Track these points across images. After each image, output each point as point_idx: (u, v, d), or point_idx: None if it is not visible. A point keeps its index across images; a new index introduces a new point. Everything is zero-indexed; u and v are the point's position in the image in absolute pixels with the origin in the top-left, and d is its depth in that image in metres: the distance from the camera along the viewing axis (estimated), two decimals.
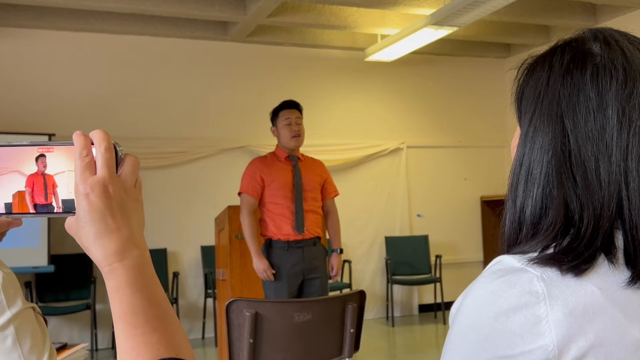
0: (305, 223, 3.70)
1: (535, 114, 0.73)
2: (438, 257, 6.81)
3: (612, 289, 0.66)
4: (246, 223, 3.69)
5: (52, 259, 5.44)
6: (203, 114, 6.41)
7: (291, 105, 3.84)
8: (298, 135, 3.77)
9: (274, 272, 3.64)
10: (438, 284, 6.76)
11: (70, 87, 5.97)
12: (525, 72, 0.77)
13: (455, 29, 5.59)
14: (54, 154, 0.67)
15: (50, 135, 5.55)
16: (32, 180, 0.67)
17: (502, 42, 7.32)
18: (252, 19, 5.84)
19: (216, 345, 5.56)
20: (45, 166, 0.67)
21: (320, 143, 6.20)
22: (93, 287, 5.58)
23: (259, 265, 3.63)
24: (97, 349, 5.69)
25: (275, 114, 3.85)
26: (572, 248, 0.68)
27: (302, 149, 3.89)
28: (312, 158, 3.95)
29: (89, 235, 0.65)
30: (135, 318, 0.63)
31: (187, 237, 6.23)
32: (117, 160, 0.67)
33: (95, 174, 0.65)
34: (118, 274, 0.64)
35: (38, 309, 1.30)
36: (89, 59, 6.06)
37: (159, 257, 6.05)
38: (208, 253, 6.03)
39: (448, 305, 6.52)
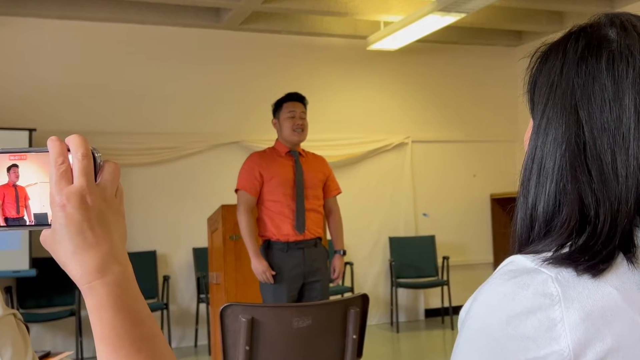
0: (306, 223, 3.70)
1: (549, 104, 0.73)
2: (445, 258, 6.82)
3: (631, 291, 0.66)
4: (244, 222, 3.70)
5: (34, 262, 5.44)
6: (195, 107, 6.40)
7: (296, 98, 3.84)
8: (301, 129, 3.77)
9: (274, 273, 3.64)
10: (445, 287, 6.77)
11: (53, 79, 5.97)
12: (539, 60, 0.77)
13: (463, 15, 5.59)
14: (27, 162, 0.67)
15: (31, 130, 5.55)
16: (2, 191, 0.66)
17: (512, 30, 7.32)
18: (246, 5, 5.84)
19: (210, 353, 5.57)
20: (17, 177, 0.66)
21: (319, 138, 6.18)
22: (78, 293, 5.57)
23: (258, 266, 3.63)
24: (82, 358, 5.69)
25: (278, 106, 3.85)
26: (588, 247, 0.68)
27: (301, 145, 3.89)
28: (313, 154, 3.96)
29: (66, 251, 0.64)
30: (118, 339, 0.63)
31: (178, 238, 6.23)
32: (96, 168, 0.66)
33: (72, 183, 0.64)
34: (98, 292, 0.64)
35: (19, 316, 1.30)
36: (72, 48, 6.06)
37: (148, 260, 6.05)
38: (200, 255, 6.03)
39: (456, 309, 6.53)
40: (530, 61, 0.78)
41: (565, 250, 0.69)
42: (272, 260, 3.68)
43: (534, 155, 0.74)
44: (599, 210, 0.69)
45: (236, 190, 3.80)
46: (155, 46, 6.31)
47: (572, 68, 0.72)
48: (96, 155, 0.66)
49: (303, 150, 3.90)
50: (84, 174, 0.65)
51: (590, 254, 0.67)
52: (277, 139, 3.88)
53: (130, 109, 6.18)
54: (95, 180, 0.66)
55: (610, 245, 0.68)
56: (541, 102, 0.75)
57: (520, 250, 0.74)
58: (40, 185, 0.66)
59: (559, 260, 0.67)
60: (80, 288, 0.65)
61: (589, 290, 0.65)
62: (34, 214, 0.67)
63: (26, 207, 0.67)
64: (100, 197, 0.65)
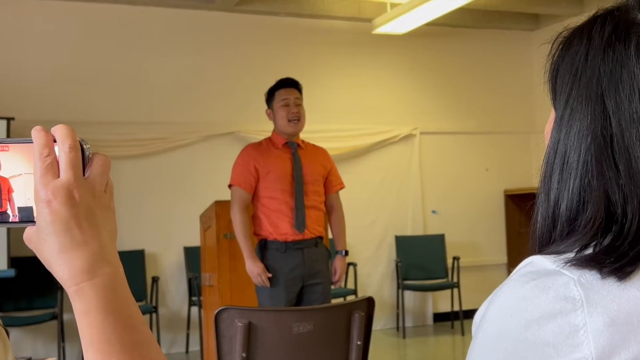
0: (306, 221, 3.70)
1: (572, 94, 0.73)
2: (456, 259, 6.83)
3: None
4: (238, 220, 3.69)
5: (13, 262, 5.45)
6: (187, 95, 6.40)
7: (289, 84, 3.83)
8: (297, 119, 3.76)
9: (270, 275, 3.65)
10: (455, 290, 6.78)
11: (33, 64, 5.96)
12: (561, 46, 0.77)
13: None
14: (10, 153, 0.66)
15: (9, 120, 5.54)
16: None
17: (529, 13, 7.30)
18: None
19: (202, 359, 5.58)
20: None
21: (320, 128, 6.19)
22: (60, 295, 5.59)
23: (253, 268, 3.64)
24: None
25: (270, 94, 3.84)
26: (614, 247, 0.68)
27: (300, 135, 3.89)
28: (314, 145, 3.95)
29: (52, 250, 0.64)
30: (109, 346, 0.63)
31: (168, 236, 6.24)
32: (84, 161, 0.66)
33: (58, 177, 0.64)
34: (87, 294, 0.64)
35: None
36: (55, 30, 6.04)
37: (136, 260, 6.06)
38: (192, 255, 6.03)
39: (466, 314, 6.55)
40: (552, 47, 0.78)
41: (589, 251, 0.69)
42: (268, 262, 3.68)
43: (557, 148, 0.74)
44: (626, 208, 0.69)
45: (230, 186, 3.80)
46: (144, 29, 6.30)
47: (598, 54, 0.72)
48: (85, 147, 0.66)
49: (302, 141, 3.89)
50: (71, 167, 0.65)
51: (616, 256, 0.67)
52: (273, 130, 3.87)
53: (117, 96, 6.18)
54: (84, 174, 0.66)
55: (638, 246, 0.68)
56: (564, 91, 0.75)
57: (541, 251, 0.74)
58: (25, 176, 0.66)
59: (582, 262, 0.67)
60: (67, 290, 0.65)
61: (614, 294, 0.65)
62: (18, 208, 0.67)
63: (10, 200, 0.67)
64: (88, 193, 0.66)
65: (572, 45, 0.76)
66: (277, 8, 6.52)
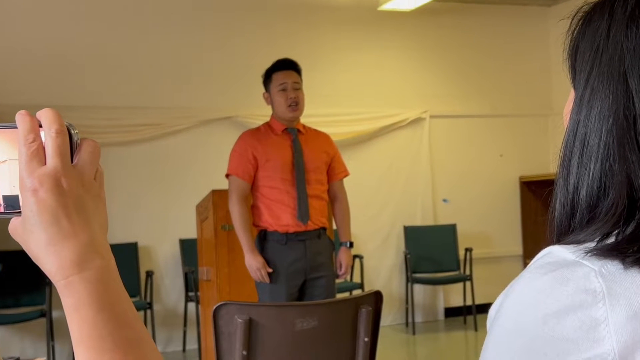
0: (310, 211, 3.70)
1: (593, 72, 0.74)
2: (468, 250, 6.84)
3: None
4: (236, 212, 3.70)
5: None
6: (181, 78, 6.39)
7: (287, 66, 3.82)
8: (296, 104, 3.76)
9: (270, 271, 3.65)
10: (468, 283, 6.80)
11: (15, 46, 5.95)
12: (581, 22, 0.77)
13: None
14: None
15: None
16: None
17: None
18: None
19: (200, 358, 5.61)
20: None
21: (323, 113, 6.19)
22: (49, 291, 5.60)
23: (253, 262, 3.64)
24: None
25: (268, 77, 3.84)
26: (638, 236, 0.68)
27: (301, 120, 3.88)
28: (316, 130, 3.95)
29: (39, 242, 0.64)
30: (101, 342, 0.63)
31: (163, 228, 6.25)
32: (72, 147, 0.66)
33: (45, 164, 0.64)
34: (77, 289, 0.64)
35: None
36: (37, 9, 6.03)
37: (129, 253, 6.07)
38: (188, 248, 6.05)
39: (480, 308, 6.56)
40: (571, 23, 0.78)
41: (611, 240, 0.69)
42: (268, 255, 3.69)
43: (576, 131, 0.74)
44: None
45: (227, 176, 3.80)
46: (135, 6, 6.28)
47: (621, 30, 0.72)
48: (72, 132, 0.66)
49: (303, 126, 3.88)
50: (58, 154, 0.64)
51: (639, 245, 0.67)
52: (271, 115, 3.87)
53: (107, 79, 6.17)
54: (72, 161, 0.66)
55: None
56: (584, 69, 0.75)
57: (559, 240, 0.74)
58: (9, 162, 0.66)
59: (603, 252, 0.67)
60: (55, 284, 0.65)
61: (638, 285, 0.65)
62: (4, 197, 0.66)
63: None
64: (77, 181, 0.65)
65: (592, 20, 0.76)
66: None
